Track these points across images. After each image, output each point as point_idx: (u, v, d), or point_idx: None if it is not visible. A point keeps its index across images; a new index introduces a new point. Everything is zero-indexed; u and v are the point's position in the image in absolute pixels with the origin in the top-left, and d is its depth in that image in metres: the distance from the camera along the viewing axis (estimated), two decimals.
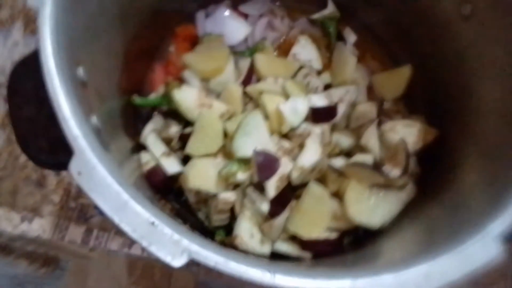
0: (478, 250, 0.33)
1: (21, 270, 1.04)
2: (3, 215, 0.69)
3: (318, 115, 0.59)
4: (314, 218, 0.54)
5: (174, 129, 0.60)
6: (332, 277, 0.32)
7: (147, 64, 0.67)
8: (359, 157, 0.58)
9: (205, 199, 0.58)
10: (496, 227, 0.34)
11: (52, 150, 0.39)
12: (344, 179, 0.56)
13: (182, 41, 0.69)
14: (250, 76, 0.64)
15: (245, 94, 0.63)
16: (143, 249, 0.62)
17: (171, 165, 0.58)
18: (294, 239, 0.56)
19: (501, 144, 0.47)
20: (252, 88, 0.62)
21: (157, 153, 0.58)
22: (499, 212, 0.37)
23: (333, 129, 0.62)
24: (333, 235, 0.55)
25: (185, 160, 0.59)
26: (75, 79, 0.38)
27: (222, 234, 0.57)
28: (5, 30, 0.75)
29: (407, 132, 0.59)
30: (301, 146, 0.57)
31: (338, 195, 0.57)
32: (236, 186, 0.57)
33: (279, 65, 0.66)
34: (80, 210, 0.69)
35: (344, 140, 0.60)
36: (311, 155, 0.55)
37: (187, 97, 0.59)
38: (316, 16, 0.72)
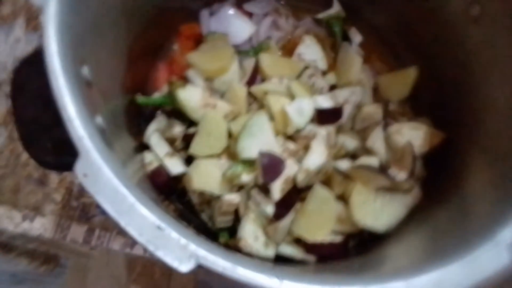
0: (490, 259, 0.32)
1: (21, 267, 1.04)
2: (5, 213, 0.68)
3: (323, 117, 0.58)
4: (319, 221, 0.54)
5: (178, 129, 0.59)
6: (341, 284, 0.31)
7: (151, 63, 0.66)
8: (364, 160, 0.57)
9: (209, 200, 0.57)
10: (508, 234, 0.34)
11: (56, 150, 0.39)
12: (350, 182, 0.56)
13: (186, 40, 0.68)
14: (255, 76, 0.63)
15: (249, 94, 0.62)
16: (145, 250, 0.61)
17: (175, 166, 0.57)
18: (298, 242, 0.55)
19: (509, 148, 0.47)
20: (257, 88, 0.61)
21: (160, 153, 0.58)
22: (509, 218, 0.36)
23: (339, 130, 0.61)
24: (338, 239, 0.55)
25: (189, 160, 0.59)
26: (80, 79, 0.38)
27: (225, 236, 0.57)
28: (7, 27, 0.74)
29: (414, 135, 0.58)
30: (307, 148, 0.57)
31: (343, 198, 0.56)
32: (240, 187, 0.56)
33: (284, 65, 0.65)
34: (82, 209, 0.69)
35: (350, 142, 0.60)
36: (316, 157, 0.55)
37: (191, 96, 0.58)
38: (321, 15, 0.71)
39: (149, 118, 0.62)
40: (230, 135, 0.58)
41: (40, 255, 1.03)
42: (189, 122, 0.60)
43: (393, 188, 0.55)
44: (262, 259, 0.54)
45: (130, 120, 0.58)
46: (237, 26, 0.69)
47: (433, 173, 0.58)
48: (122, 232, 0.64)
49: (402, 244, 0.49)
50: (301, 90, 0.61)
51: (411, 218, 0.53)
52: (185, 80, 0.63)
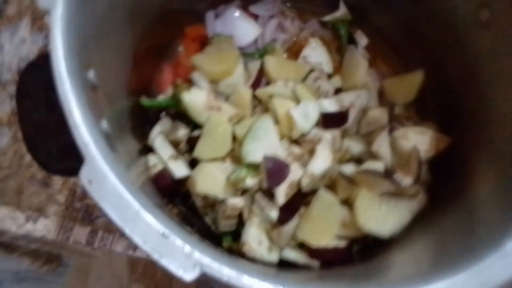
0: (498, 269, 0.32)
1: (24, 266, 1.04)
2: (8, 214, 0.68)
3: (329, 121, 0.58)
4: (324, 226, 0.54)
5: (182, 132, 0.59)
6: None
7: (156, 64, 0.66)
8: (370, 164, 0.57)
9: (213, 203, 0.57)
10: None
11: (61, 155, 0.39)
12: (355, 187, 0.55)
13: (192, 42, 0.68)
14: (260, 79, 0.63)
15: (254, 97, 0.62)
16: None
17: (179, 169, 0.57)
18: (302, 246, 0.55)
19: None
20: (262, 92, 0.61)
21: (164, 156, 0.58)
22: None
23: (344, 134, 0.60)
24: (342, 244, 0.54)
25: (193, 162, 0.58)
26: (86, 83, 0.37)
27: (229, 240, 0.56)
28: (12, 27, 0.74)
29: (420, 140, 0.58)
30: (312, 152, 0.56)
31: (348, 203, 0.56)
32: (244, 191, 0.56)
33: (289, 68, 0.65)
34: (85, 210, 0.68)
35: (355, 146, 0.59)
36: (321, 162, 0.54)
37: (196, 99, 0.58)
38: (327, 18, 0.71)
39: (154, 120, 0.62)
40: (234, 138, 0.57)
41: (42, 254, 1.04)
42: (194, 125, 0.60)
43: (398, 193, 0.54)
44: (266, 263, 0.53)
45: (134, 122, 0.58)
46: (243, 28, 0.68)
47: (439, 178, 0.58)
48: (125, 234, 0.64)
49: (407, 251, 0.49)
50: (307, 93, 0.60)
51: (416, 224, 0.53)
52: (190, 82, 0.63)
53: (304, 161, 0.56)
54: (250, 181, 0.54)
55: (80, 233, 0.68)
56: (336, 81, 0.67)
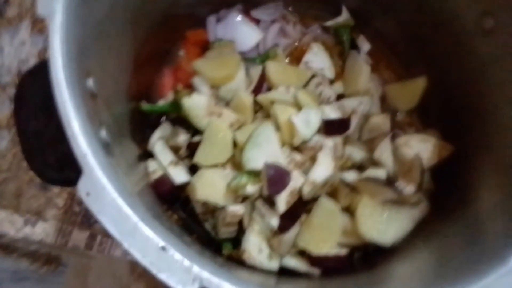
0: (503, 286, 0.31)
1: (23, 266, 1.04)
2: (6, 217, 0.68)
3: (331, 128, 0.57)
4: (325, 234, 0.53)
5: (183, 138, 0.59)
6: None
7: (157, 69, 0.66)
8: (372, 172, 0.56)
9: (213, 210, 0.57)
10: None
11: (59, 166, 0.38)
12: (356, 194, 0.55)
13: (193, 46, 0.67)
14: (261, 84, 0.63)
15: (255, 102, 0.61)
16: None
17: (179, 175, 0.56)
18: (303, 254, 0.54)
19: None
20: (263, 97, 0.60)
21: (164, 161, 0.57)
22: None
23: (346, 141, 0.60)
24: (343, 252, 0.54)
25: (193, 168, 0.58)
26: (85, 91, 0.37)
27: (229, 247, 0.56)
28: (12, 29, 0.74)
29: (422, 147, 0.57)
30: (313, 159, 0.56)
31: (349, 211, 0.55)
32: (244, 198, 0.55)
33: (291, 73, 0.65)
34: (84, 215, 0.68)
35: (357, 153, 0.59)
36: (323, 169, 0.54)
37: (196, 105, 0.57)
38: (329, 23, 0.70)
39: (154, 125, 0.61)
40: (235, 144, 0.57)
41: (41, 256, 1.03)
42: (194, 130, 0.59)
43: (400, 201, 0.54)
44: (266, 271, 0.53)
45: (134, 127, 0.57)
46: (244, 33, 0.68)
47: (442, 187, 0.57)
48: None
49: (409, 262, 0.48)
50: (308, 99, 0.60)
51: (419, 234, 0.52)
52: (190, 87, 0.63)
53: (305, 168, 0.55)
54: (251, 188, 0.53)
55: (79, 237, 0.67)
56: (338, 87, 0.66)
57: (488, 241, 0.40)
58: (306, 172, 0.55)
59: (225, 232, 0.56)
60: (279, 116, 0.57)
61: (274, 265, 0.53)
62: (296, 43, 0.71)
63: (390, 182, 0.55)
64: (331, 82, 0.67)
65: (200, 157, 0.56)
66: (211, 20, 0.69)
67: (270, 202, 0.53)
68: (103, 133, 0.39)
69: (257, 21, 0.70)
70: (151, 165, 0.57)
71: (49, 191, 0.68)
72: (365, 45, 0.70)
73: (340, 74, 0.69)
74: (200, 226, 0.59)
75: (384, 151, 0.58)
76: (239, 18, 0.69)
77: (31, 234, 0.67)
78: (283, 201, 0.52)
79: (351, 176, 0.57)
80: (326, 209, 0.53)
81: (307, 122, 0.56)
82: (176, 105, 0.59)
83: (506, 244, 0.36)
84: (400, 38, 0.69)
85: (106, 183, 0.31)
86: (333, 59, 0.69)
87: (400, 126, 0.66)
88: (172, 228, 0.48)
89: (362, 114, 0.62)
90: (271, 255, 0.53)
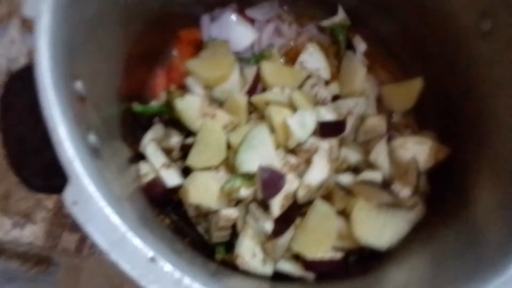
0: None
1: (13, 267, 1.02)
2: None
3: (326, 130, 0.56)
4: (319, 238, 0.52)
5: (175, 139, 0.57)
6: None
7: (149, 69, 0.64)
8: (367, 174, 0.55)
9: (206, 213, 0.56)
10: None
11: (46, 172, 0.37)
12: (351, 197, 0.54)
13: (186, 46, 0.66)
14: (256, 85, 0.62)
15: (249, 103, 0.60)
16: None
17: (171, 177, 0.55)
18: (297, 258, 0.54)
19: None
20: (258, 99, 0.59)
21: (156, 164, 0.56)
22: None
23: (341, 143, 0.59)
24: (338, 255, 0.53)
25: (185, 170, 0.57)
26: (73, 95, 0.36)
27: (222, 252, 0.55)
28: (2, 27, 0.72)
29: (419, 150, 0.57)
30: (308, 162, 0.55)
31: (344, 214, 0.54)
32: (238, 202, 0.54)
33: (286, 74, 0.63)
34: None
35: (352, 156, 0.58)
36: (318, 172, 0.53)
37: (189, 106, 0.56)
38: (325, 23, 0.69)
39: (146, 126, 0.60)
40: (229, 146, 0.56)
41: (32, 257, 1.02)
42: (187, 132, 0.58)
43: (396, 204, 0.53)
44: (259, 276, 0.52)
45: (125, 128, 0.56)
46: (239, 33, 0.67)
47: (438, 190, 0.56)
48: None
49: (405, 266, 0.48)
50: (303, 100, 0.59)
51: (415, 237, 0.52)
52: (183, 88, 0.61)
53: (300, 171, 0.54)
54: (245, 192, 0.52)
55: (69, 240, 0.66)
56: (334, 88, 0.65)
57: (485, 249, 0.39)
58: (301, 175, 0.54)
59: (218, 236, 0.55)
60: (273, 118, 0.56)
61: (268, 269, 0.52)
62: (292, 43, 0.70)
63: (385, 185, 0.54)
64: (327, 82, 0.66)
65: (193, 160, 0.55)
66: (205, 19, 0.68)
67: (264, 205, 0.52)
68: (92, 138, 0.37)
69: (252, 21, 0.69)
70: (143, 167, 0.56)
71: (38, 193, 0.67)
72: (361, 45, 0.69)
73: (336, 74, 0.68)
74: (193, 229, 0.58)
75: (380, 154, 0.57)
76: (233, 17, 0.67)
77: (20, 237, 0.66)
78: (277, 204, 0.51)
79: (346, 178, 0.56)
80: (321, 212, 0.52)
81: (302, 123, 0.55)
82: (168, 106, 0.58)
83: (504, 253, 0.35)
84: (396, 38, 0.68)
85: (94, 191, 0.29)
86: (328, 59, 0.68)
87: (396, 127, 0.65)
88: (163, 235, 0.47)
89: (358, 116, 0.61)
90: (265, 260, 0.53)
